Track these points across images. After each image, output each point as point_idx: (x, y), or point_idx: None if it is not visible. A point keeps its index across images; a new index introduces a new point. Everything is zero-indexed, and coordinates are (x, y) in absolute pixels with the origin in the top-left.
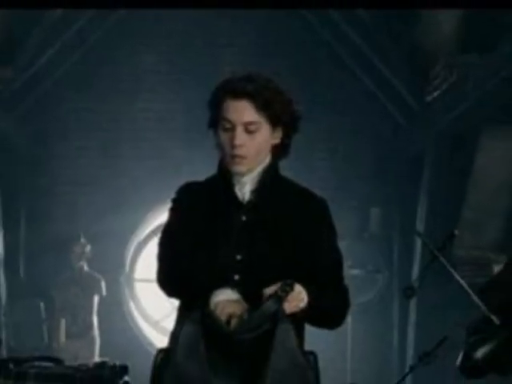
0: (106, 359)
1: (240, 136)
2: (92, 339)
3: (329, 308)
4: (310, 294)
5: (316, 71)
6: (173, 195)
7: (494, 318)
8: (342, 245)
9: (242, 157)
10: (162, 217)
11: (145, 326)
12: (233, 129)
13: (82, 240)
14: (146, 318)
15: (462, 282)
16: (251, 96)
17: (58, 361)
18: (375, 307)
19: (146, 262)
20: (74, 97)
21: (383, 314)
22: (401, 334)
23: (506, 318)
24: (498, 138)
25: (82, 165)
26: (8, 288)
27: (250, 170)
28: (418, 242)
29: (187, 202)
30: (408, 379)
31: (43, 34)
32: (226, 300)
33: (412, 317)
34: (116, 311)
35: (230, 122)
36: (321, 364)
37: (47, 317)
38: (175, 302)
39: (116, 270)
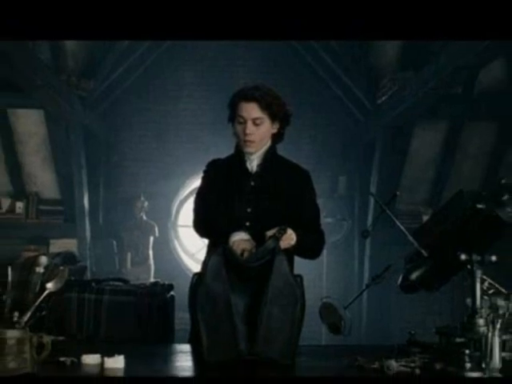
0: (158, 280)
1: (250, 127)
2: (149, 266)
3: (310, 245)
4: (297, 235)
5: (302, 83)
6: (203, 168)
7: (423, 251)
8: (319, 201)
9: (251, 141)
10: (196, 183)
11: (185, 257)
12: (245, 122)
13: (142, 198)
14: (186, 252)
15: (401, 227)
16: (257, 100)
17: (125, 281)
18: (342, 244)
19: (186, 213)
20: (137, 100)
21: (347, 249)
22: (360, 263)
23: (431, 251)
24: (427, 129)
25: (142, 147)
26: (91, 231)
27: (256, 151)
28: (372, 200)
29: (213, 173)
30: (364, 294)
31: (115, 57)
32: (240, 239)
33: (367, 251)
34: (165, 247)
35: (242, 117)
36: (305, 283)
37: (118, 251)
38: (205, 241)
39: (165, 219)
